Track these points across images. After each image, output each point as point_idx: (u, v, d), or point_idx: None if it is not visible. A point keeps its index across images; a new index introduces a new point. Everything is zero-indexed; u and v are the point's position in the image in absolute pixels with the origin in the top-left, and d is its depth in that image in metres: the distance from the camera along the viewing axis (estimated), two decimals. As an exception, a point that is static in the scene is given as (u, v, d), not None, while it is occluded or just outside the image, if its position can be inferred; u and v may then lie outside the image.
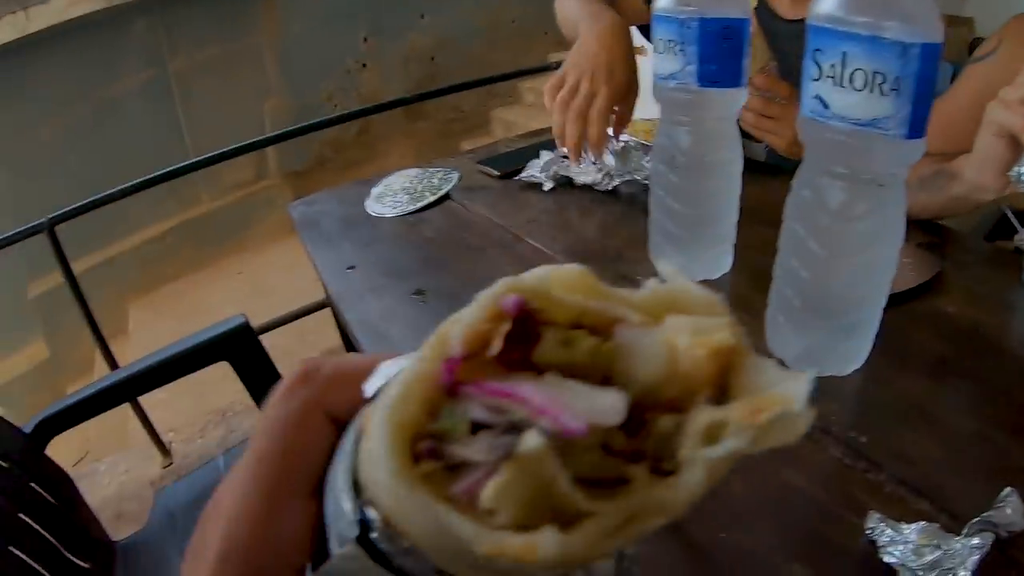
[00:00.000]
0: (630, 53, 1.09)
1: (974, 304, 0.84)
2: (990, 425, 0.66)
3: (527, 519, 0.18)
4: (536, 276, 0.22)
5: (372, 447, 0.21)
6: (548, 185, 1.28)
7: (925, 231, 0.99)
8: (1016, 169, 0.75)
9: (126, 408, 2.36)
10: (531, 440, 0.18)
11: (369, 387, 0.25)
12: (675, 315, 0.22)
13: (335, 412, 0.27)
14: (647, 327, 0.22)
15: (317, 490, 0.26)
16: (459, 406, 0.21)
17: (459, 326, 0.21)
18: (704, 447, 0.19)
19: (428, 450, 0.20)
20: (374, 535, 0.22)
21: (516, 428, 0.19)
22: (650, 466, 0.20)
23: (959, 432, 0.66)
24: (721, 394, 0.21)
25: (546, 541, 0.17)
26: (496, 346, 0.21)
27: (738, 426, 0.19)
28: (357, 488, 0.23)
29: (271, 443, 0.26)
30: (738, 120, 1.02)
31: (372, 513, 0.22)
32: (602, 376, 0.22)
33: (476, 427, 0.20)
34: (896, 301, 0.80)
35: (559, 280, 0.23)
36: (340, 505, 0.24)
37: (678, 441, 0.20)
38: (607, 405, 0.20)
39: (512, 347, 0.21)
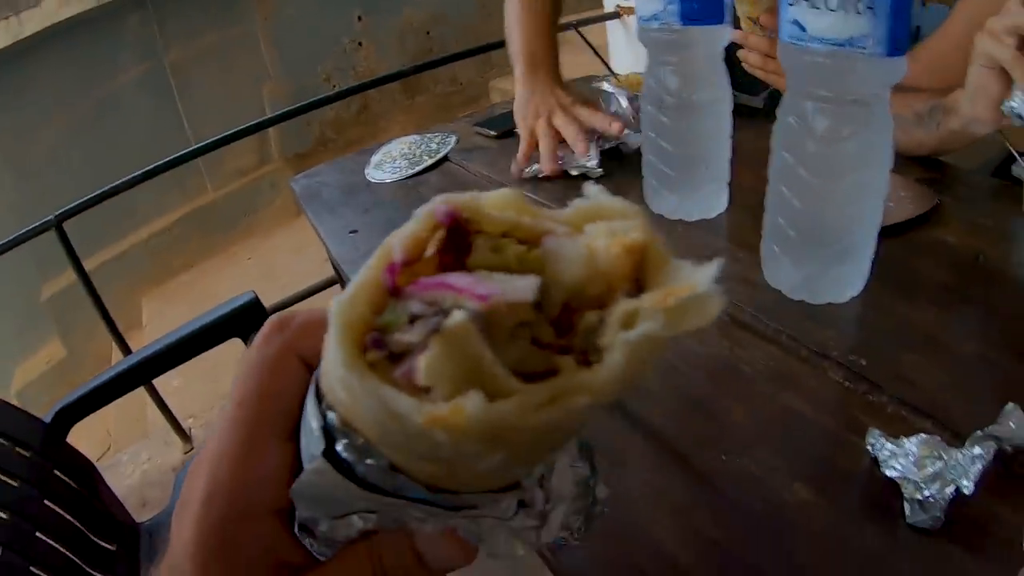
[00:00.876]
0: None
1: (975, 235, 0.83)
2: (994, 348, 0.66)
3: None
4: (469, 194, 0.25)
5: (327, 348, 0.23)
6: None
7: (924, 167, 0.98)
8: (1007, 103, 0.74)
9: (144, 397, 2.39)
10: (456, 315, 0.20)
11: None
12: (594, 223, 0.24)
13: (308, 357, 0.28)
14: (571, 236, 0.24)
15: (294, 434, 0.28)
16: (400, 304, 0.23)
17: (399, 236, 0.24)
18: (622, 333, 0.21)
19: (373, 341, 0.22)
20: (338, 447, 0.24)
21: (446, 313, 0.21)
22: (577, 359, 0.22)
23: (961, 355, 0.66)
24: (641, 292, 0.23)
25: (471, 402, 0.19)
26: (431, 248, 0.24)
27: (651, 311, 0.21)
28: (320, 399, 0.26)
29: (249, 388, 0.28)
30: (739, 60, 1.02)
31: (332, 416, 0.25)
32: None
33: (415, 320, 0.22)
34: (894, 232, 0.80)
35: (492, 200, 0.25)
36: (309, 427, 0.26)
37: (601, 333, 0.22)
38: (522, 284, 0.22)
39: (447, 253, 0.24)
